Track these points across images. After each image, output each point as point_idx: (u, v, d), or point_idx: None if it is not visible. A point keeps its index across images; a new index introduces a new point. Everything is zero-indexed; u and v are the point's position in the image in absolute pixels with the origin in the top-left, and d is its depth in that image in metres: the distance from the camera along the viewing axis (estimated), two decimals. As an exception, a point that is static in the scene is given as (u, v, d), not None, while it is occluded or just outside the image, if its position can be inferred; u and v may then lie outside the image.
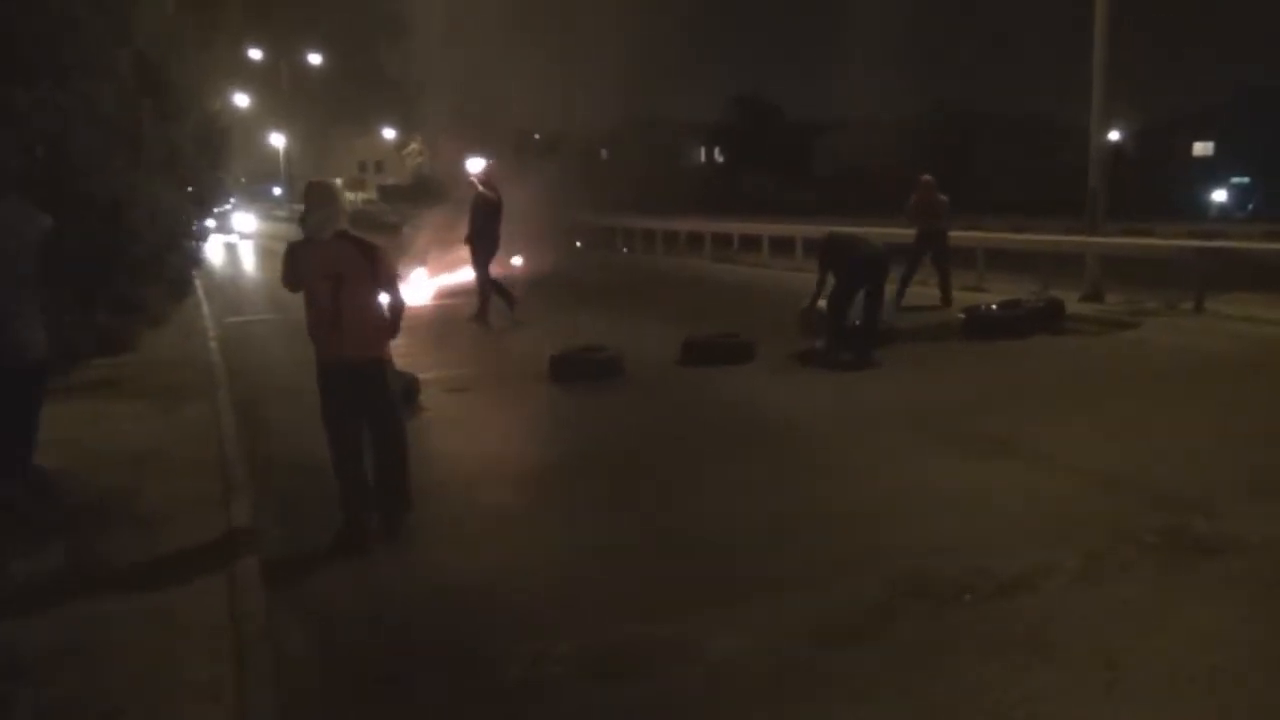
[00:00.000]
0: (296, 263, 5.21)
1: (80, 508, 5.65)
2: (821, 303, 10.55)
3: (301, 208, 5.44)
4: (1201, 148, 71.01)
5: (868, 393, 8.98)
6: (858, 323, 10.39)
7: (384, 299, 5.26)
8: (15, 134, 8.48)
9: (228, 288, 19.95)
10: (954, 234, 15.70)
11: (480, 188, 13.27)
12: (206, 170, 12.42)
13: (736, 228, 25.24)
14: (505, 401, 9.14)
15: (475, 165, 13.86)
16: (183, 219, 11.61)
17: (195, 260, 12.57)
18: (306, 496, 5.93)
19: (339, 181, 12.31)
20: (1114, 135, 51.73)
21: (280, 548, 5.22)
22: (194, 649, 3.93)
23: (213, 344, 11.72)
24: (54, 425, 7.49)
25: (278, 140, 71.48)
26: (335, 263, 5.07)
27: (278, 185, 76.72)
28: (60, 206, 8.76)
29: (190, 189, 11.70)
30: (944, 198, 14.74)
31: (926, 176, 14.82)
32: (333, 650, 4.11)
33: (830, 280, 10.47)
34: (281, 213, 59.12)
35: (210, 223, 13.61)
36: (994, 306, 12.58)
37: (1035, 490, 6.04)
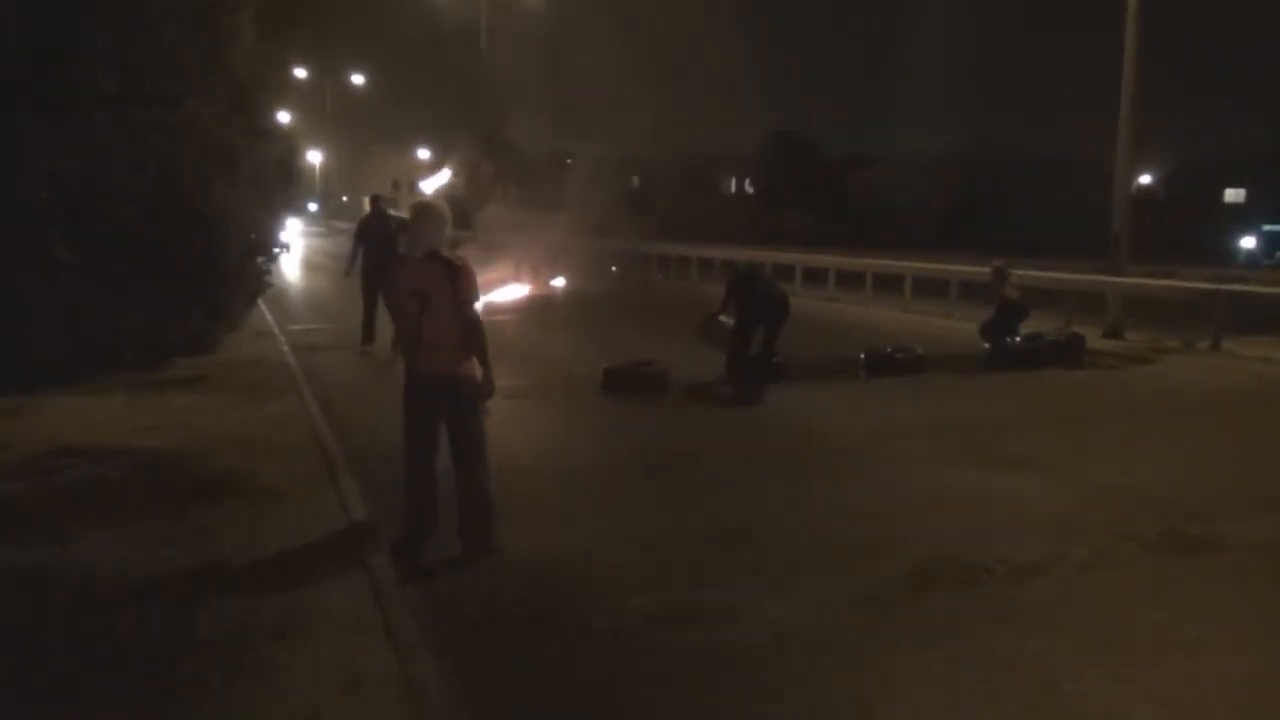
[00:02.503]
0: (392, 277, 5.51)
1: (208, 482, 6.42)
2: (725, 319, 11.27)
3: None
4: (1233, 194, 71.23)
5: (895, 412, 9.69)
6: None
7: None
8: (130, 150, 9.40)
9: (280, 297, 20.90)
10: (977, 269, 16.40)
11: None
12: (282, 186, 13.31)
13: (771, 257, 25.99)
14: (562, 408, 9.90)
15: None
16: (263, 232, 12.49)
17: (269, 270, 13.42)
18: (396, 483, 6.64)
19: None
20: (1144, 179, 52.20)
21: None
22: (332, 590, 4.68)
23: (285, 348, 12.57)
24: (163, 413, 8.43)
25: (314, 157, 73.18)
26: (422, 280, 5.23)
27: (313, 201, 78.41)
28: (168, 218, 9.71)
29: (270, 204, 12.58)
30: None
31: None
32: (439, 607, 4.79)
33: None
34: (316, 228, 60.52)
35: (284, 236, 14.45)
36: (1018, 339, 13.25)
37: (1046, 496, 6.74)
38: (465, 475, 5.40)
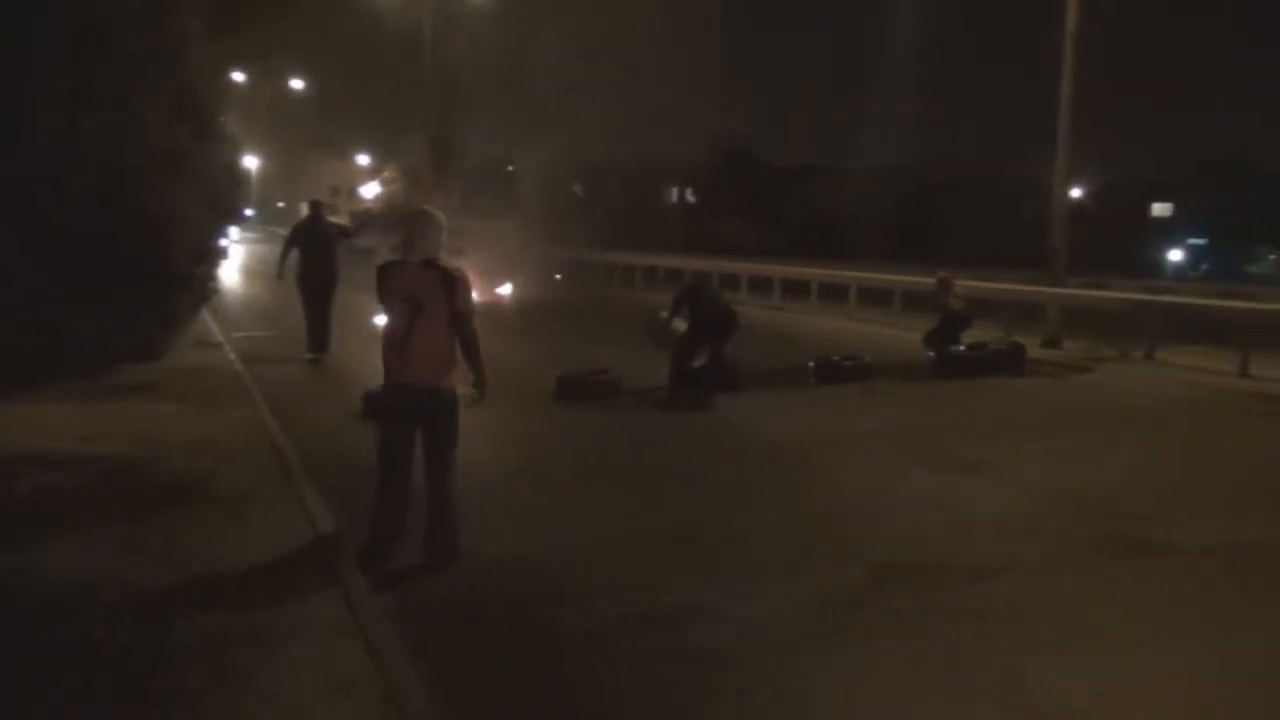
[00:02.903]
0: (383, 281, 5.37)
1: (168, 488, 6.36)
2: (679, 323, 11.30)
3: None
4: (1160, 209, 73.34)
5: (846, 418, 9.89)
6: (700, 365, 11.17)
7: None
8: (78, 153, 9.26)
9: (221, 304, 20.56)
10: (921, 280, 16.79)
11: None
12: (230, 190, 13.15)
13: (716, 266, 26.21)
14: (517, 415, 9.90)
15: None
16: (210, 236, 12.34)
17: (215, 276, 13.25)
18: (357, 489, 6.62)
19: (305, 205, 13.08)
20: (1075, 192, 53.56)
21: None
22: (305, 596, 4.68)
23: (231, 355, 12.42)
24: (114, 420, 8.32)
25: (250, 162, 71.99)
26: (416, 286, 5.20)
27: (249, 207, 77.14)
28: (116, 223, 9.56)
29: (218, 209, 12.42)
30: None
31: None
32: (413, 611, 4.82)
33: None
34: (254, 234, 59.50)
35: (229, 240, 14.28)
36: (962, 348, 13.55)
37: (999, 501, 6.95)
38: (436, 485, 5.39)
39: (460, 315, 5.29)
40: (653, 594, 5.07)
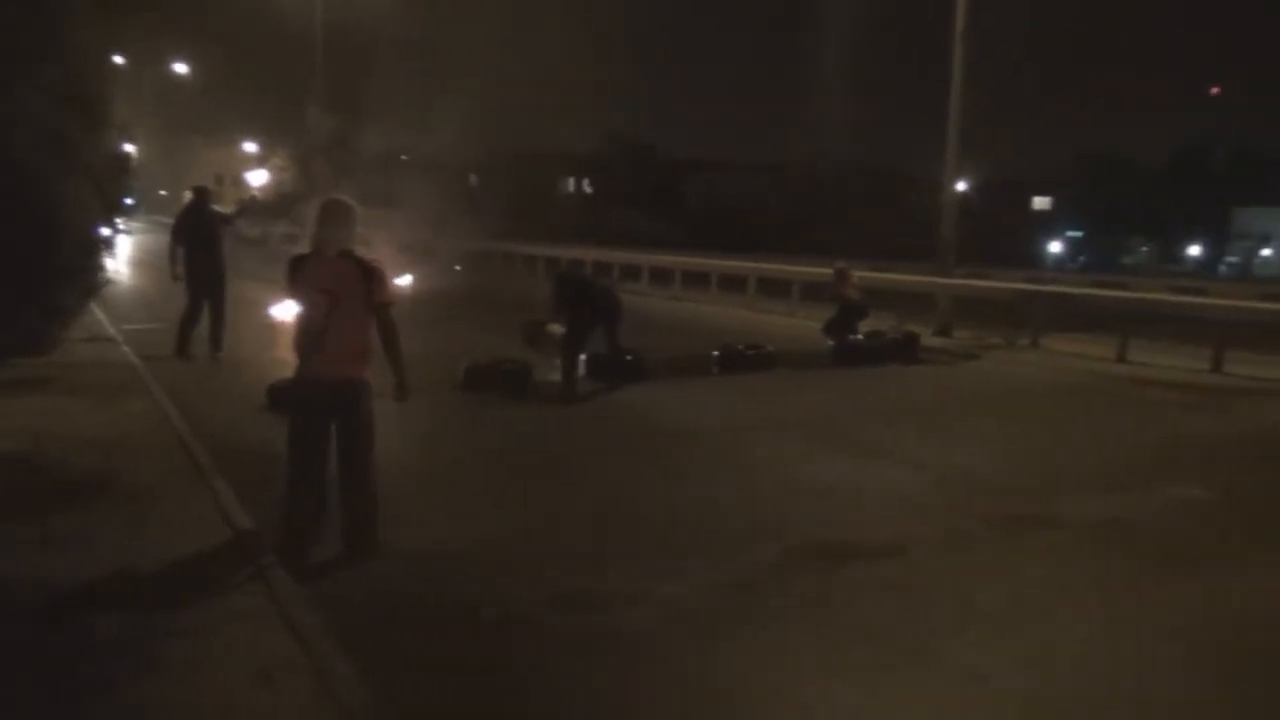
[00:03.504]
0: (297, 274, 5.27)
1: (73, 484, 6.20)
2: (554, 327, 11.15)
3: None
4: (1041, 202, 76.26)
5: (753, 405, 10.15)
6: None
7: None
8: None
9: (109, 296, 19.86)
10: (818, 270, 17.22)
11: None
12: (118, 178, 12.73)
13: (617, 257, 26.39)
14: (428, 406, 9.85)
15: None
16: (99, 226, 11.94)
17: (104, 267, 12.81)
18: (268, 482, 6.55)
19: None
20: (961, 186, 55.35)
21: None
22: (226, 589, 4.65)
23: (125, 348, 12.06)
24: (6, 416, 8.02)
25: (131, 148, 69.34)
26: (334, 279, 5.14)
27: (130, 196, 74.29)
28: (1, 212, 9.19)
29: (105, 197, 12.02)
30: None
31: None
32: (334, 601, 4.81)
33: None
34: (137, 223, 57.33)
35: (119, 230, 13.79)
36: (859, 337, 13.98)
37: (900, 482, 7.25)
38: (354, 478, 5.37)
39: (381, 306, 5.29)
40: (570, 579, 5.18)
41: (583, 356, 11.41)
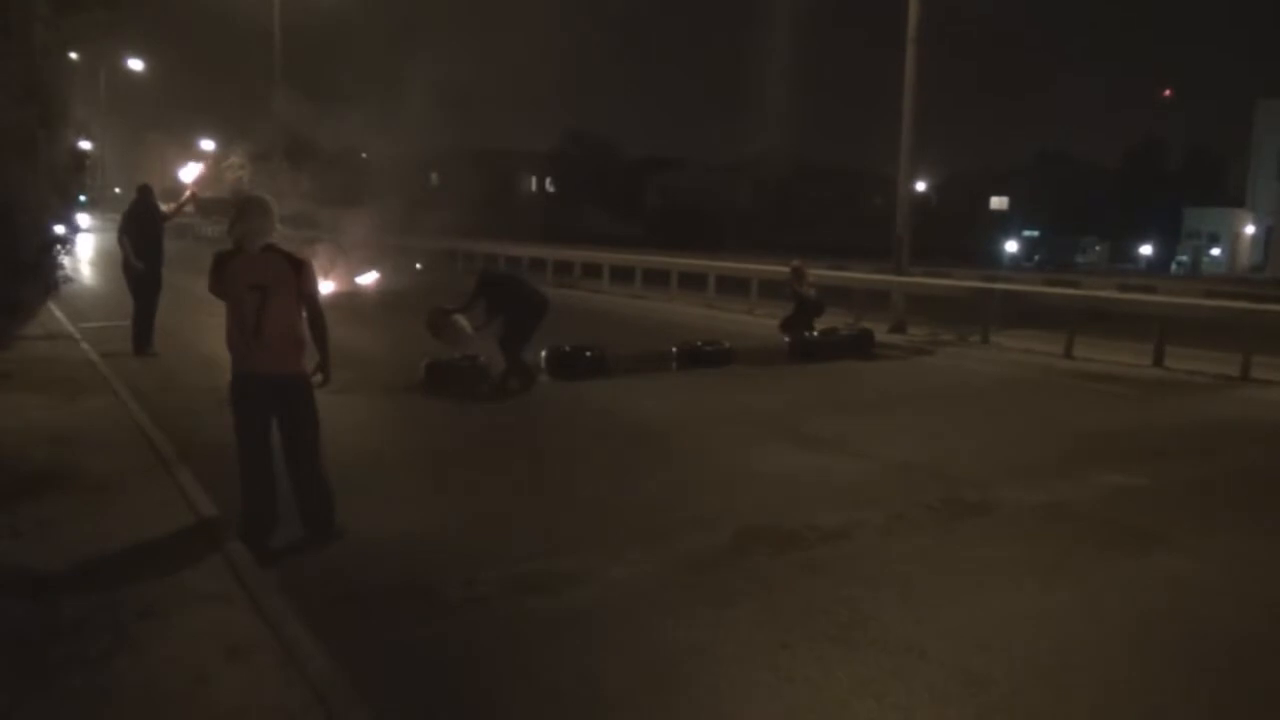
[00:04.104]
0: (224, 271, 5.32)
1: (36, 476, 6.29)
2: (461, 320, 10.94)
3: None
4: (998, 202, 77.28)
5: (709, 400, 10.37)
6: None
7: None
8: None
9: (65, 293, 19.73)
10: (776, 269, 17.49)
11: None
12: (76, 175, 12.74)
13: (578, 255, 26.53)
14: (388, 401, 10.03)
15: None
16: (57, 223, 11.95)
17: (63, 264, 12.81)
18: (229, 473, 6.66)
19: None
20: (920, 186, 56.10)
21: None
22: (191, 573, 4.79)
23: (84, 345, 12.06)
24: (-35, 411, 8.04)
25: (85, 145, 68.39)
26: (263, 274, 5.24)
27: (83, 194, 73.25)
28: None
29: (65, 194, 12.05)
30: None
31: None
32: (297, 584, 4.96)
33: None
34: (91, 221, 56.52)
35: (78, 227, 13.72)
36: (815, 333, 14.25)
37: (847, 471, 7.51)
38: (302, 468, 5.52)
39: (310, 297, 5.45)
40: (528, 562, 5.36)
41: (544, 352, 11.58)
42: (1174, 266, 66.36)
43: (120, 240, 12.29)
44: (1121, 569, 5.61)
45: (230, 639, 4.03)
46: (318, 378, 5.58)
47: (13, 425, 7.73)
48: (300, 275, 5.35)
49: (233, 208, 5.58)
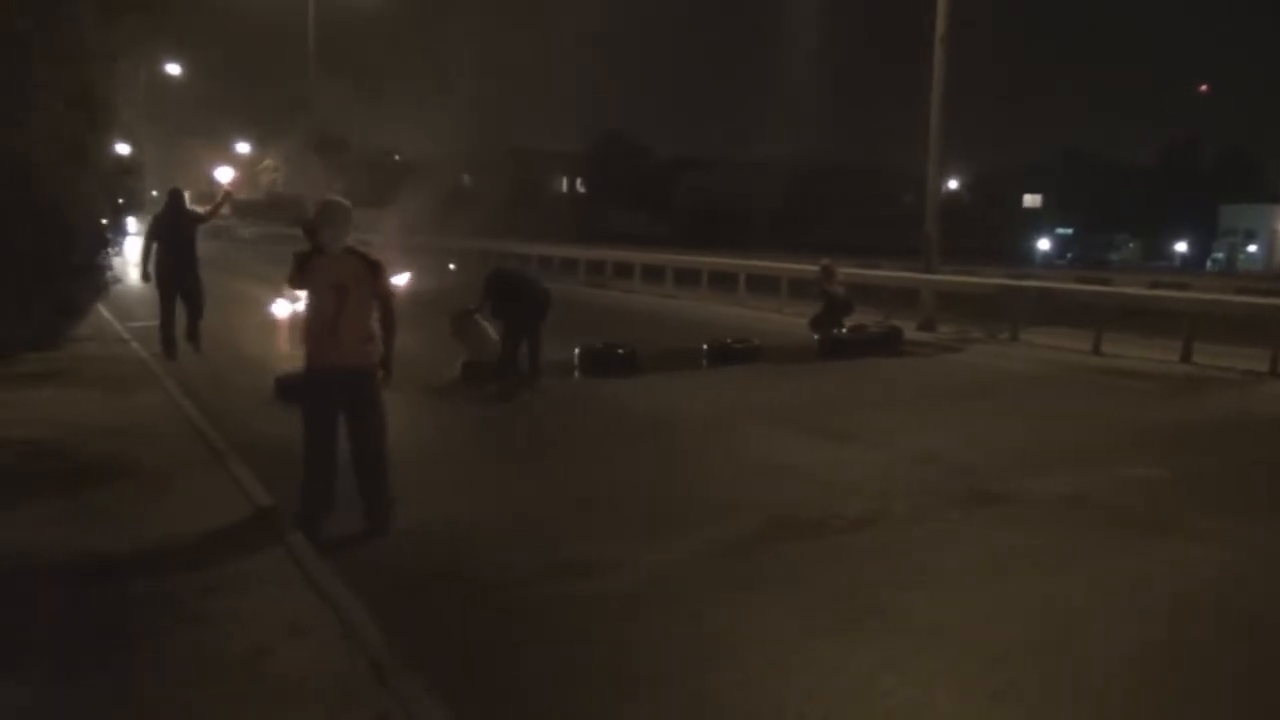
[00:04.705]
0: (307, 270, 5.67)
1: (95, 467, 6.62)
2: (486, 324, 10.97)
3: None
4: (1031, 200, 76.79)
5: (738, 395, 10.60)
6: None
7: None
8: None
9: (113, 294, 20.22)
10: (806, 267, 17.67)
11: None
12: (121, 179, 13.15)
13: (610, 255, 26.78)
14: (426, 399, 10.31)
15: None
16: (108, 226, 12.36)
17: (113, 266, 13.24)
18: (282, 465, 6.94)
19: (187, 193, 12.79)
20: (952, 184, 55.95)
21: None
22: (250, 557, 5.08)
23: (134, 344, 12.47)
24: (24, 406, 8.48)
25: (125, 149, 69.51)
26: (343, 274, 5.58)
27: (121, 196, 74.38)
28: (18, 212, 9.63)
29: (115, 198, 12.45)
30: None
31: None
32: (350, 569, 5.23)
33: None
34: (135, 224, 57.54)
35: (126, 229, 14.15)
36: (844, 331, 14.44)
37: (872, 463, 7.72)
38: (369, 459, 5.80)
39: (384, 296, 5.80)
40: (567, 550, 5.61)
41: (577, 350, 11.84)
42: (1209, 264, 65.68)
43: (145, 246, 12.16)
44: (1137, 555, 5.80)
45: (290, 616, 4.30)
46: (380, 374, 5.86)
47: (70, 418, 8.08)
48: (376, 276, 5.72)
49: (315, 212, 5.88)
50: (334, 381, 5.70)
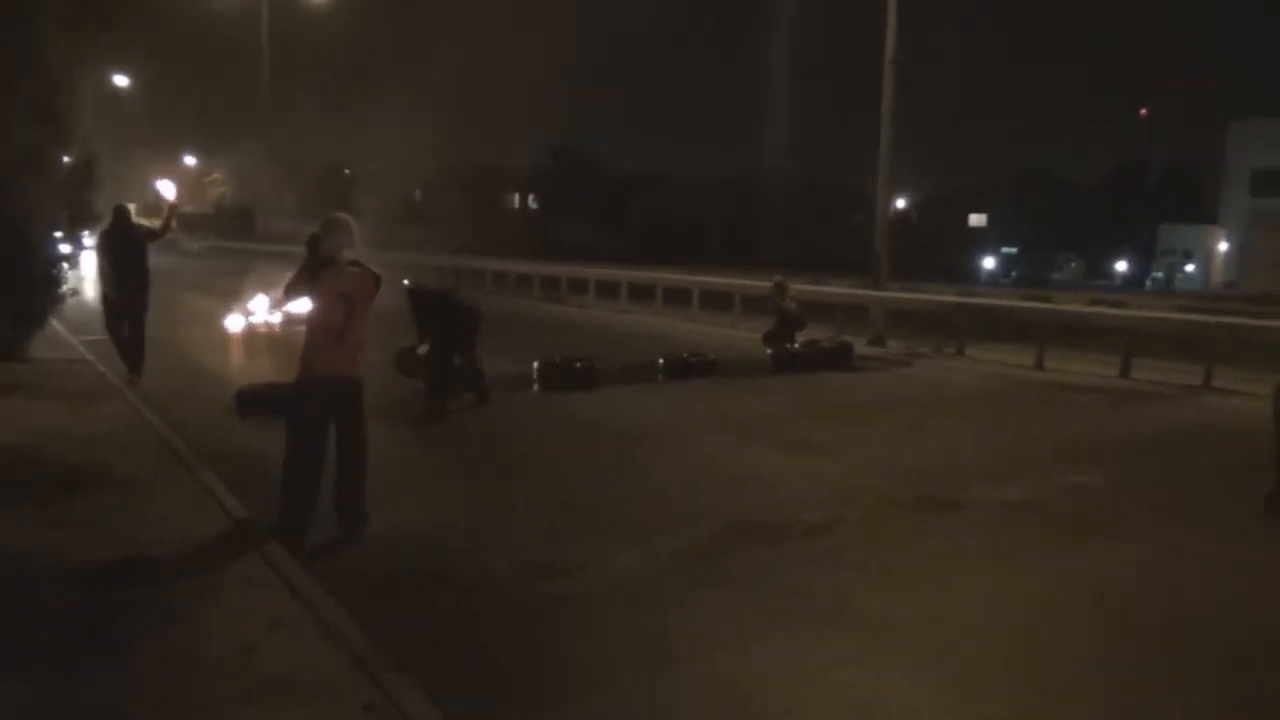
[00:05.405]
0: (314, 280, 5.77)
1: (69, 475, 6.70)
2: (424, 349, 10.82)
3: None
4: (976, 219, 78.22)
5: (695, 408, 10.87)
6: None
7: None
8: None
9: (63, 307, 20.03)
10: (758, 284, 18.04)
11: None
12: (85, 193, 13.12)
13: (564, 271, 26.99)
14: (390, 410, 10.42)
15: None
16: (66, 239, 12.35)
17: (69, 279, 13.19)
18: (248, 475, 7.07)
19: (133, 207, 12.71)
20: (900, 203, 56.95)
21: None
22: (230, 562, 5.22)
23: (90, 357, 12.44)
24: (-8, 416, 8.44)
25: (81, 161, 68.48)
26: (350, 286, 5.79)
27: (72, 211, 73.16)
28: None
29: (75, 211, 12.43)
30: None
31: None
32: (328, 571, 5.40)
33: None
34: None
35: (83, 243, 14.09)
36: (796, 346, 14.78)
37: (827, 472, 8.01)
38: (352, 462, 5.98)
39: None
40: (537, 553, 5.82)
41: (535, 364, 12.04)
42: (1148, 283, 67.35)
43: (100, 266, 11.68)
44: (1073, 555, 6.15)
45: (272, 615, 4.46)
46: None
47: (40, 428, 8.13)
48: (377, 289, 5.96)
49: (321, 226, 5.93)
50: (333, 391, 5.86)
